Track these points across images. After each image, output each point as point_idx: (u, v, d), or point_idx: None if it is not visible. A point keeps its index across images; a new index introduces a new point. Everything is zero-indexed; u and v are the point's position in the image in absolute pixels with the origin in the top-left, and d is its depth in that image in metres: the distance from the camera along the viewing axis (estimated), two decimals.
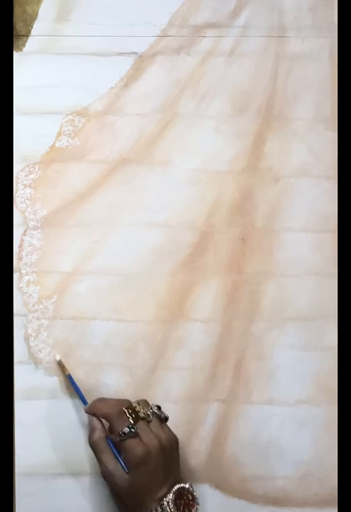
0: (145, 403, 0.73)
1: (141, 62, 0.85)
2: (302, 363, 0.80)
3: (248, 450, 0.79)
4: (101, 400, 0.75)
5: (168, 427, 0.73)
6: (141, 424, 0.70)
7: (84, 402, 0.76)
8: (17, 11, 0.84)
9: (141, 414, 0.70)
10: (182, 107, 0.85)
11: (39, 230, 0.82)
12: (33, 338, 0.80)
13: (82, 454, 0.78)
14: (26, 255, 0.81)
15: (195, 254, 0.82)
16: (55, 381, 0.79)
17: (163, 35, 0.85)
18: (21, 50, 0.84)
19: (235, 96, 0.85)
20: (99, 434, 0.72)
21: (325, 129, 0.84)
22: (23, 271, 0.81)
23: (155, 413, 0.72)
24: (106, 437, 0.71)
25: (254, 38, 0.86)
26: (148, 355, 0.80)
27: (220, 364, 0.80)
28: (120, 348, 0.80)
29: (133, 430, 0.69)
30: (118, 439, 0.69)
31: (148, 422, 0.71)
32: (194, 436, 0.78)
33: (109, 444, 0.71)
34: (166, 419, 0.73)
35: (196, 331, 0.80)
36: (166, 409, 0.75)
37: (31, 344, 0.80)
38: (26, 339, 0.80)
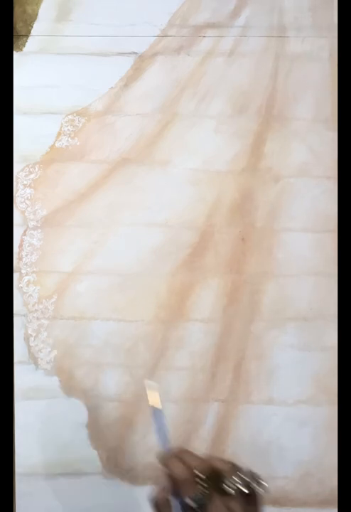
0: (235, 469, 0.56)
1: (141, 62, 0.85)
2: (302, 363, 0.80)
3: (248, 450, 0.79)
4: (181, 454, 0.58)
5: (257, 508, 0.55)
6: (215, 497, 0.54)
7: (165, 443, 0.61)
8: (17, 11, 0.84)
9: (220, 484, 0.54)
10: (182, 107, 0.85)
11: (39, 230, 0.82)
12: (33, 338, 0.80)
13: (82, 454, 0.78)
14: (26, 255, 0.81)
15: (195, 254, 0.82)
16: (55, 381, 0.79)
17: (163, 35, 0.85)
18: (21, 50, 0.84)
19: (235, 96, 0.85)
20: (163, 493, 0.58)
21: (325, 129, 0.84)
22: (23, 271, 0.81)
23: (240, 489, 0.54)
24: (169, 496, 0.57)
25: (254, 38, 0.86)
26: (148, 355, 0.80)
27: (220, 364, 0.80)
28: (120, 348, 0.80)
29: (200, 504, 0.53)
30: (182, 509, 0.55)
31: (229, 496, 0.54)
32: (194, 436, 0.78)
33: (174, 506, 0.56)
34: (256, 496, 0.55)
35: (196, 331, 0.80)
36: (166, 409, 0.75)
37: (31, 344, 0.80)
38: (26, 339, 0.80)
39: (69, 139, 0.83)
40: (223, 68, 0.85)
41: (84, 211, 0.82)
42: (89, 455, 0.77)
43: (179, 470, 0.56)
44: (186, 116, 0.84)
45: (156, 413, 0.62)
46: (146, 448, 0.78)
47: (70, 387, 0.78)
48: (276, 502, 0.78)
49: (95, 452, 0.78)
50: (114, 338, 0.80)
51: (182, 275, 0.81)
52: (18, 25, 0.85)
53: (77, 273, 0.81)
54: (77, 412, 0.78)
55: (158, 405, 0.62)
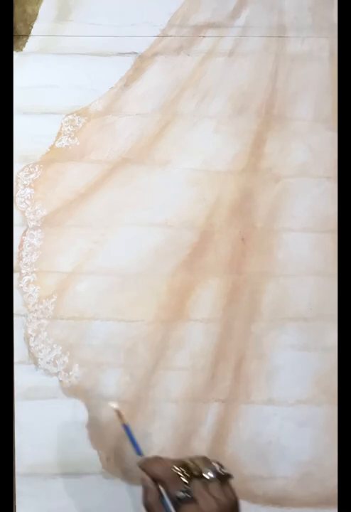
0: (204, 461, 0.66)
1: (141, 62, 0.85)
2: (302, 363, 0.80)
3: (248, 450, 0.79)
4: (156, 459, 0.68)
5: (230, 488, 0.66)
6: (198, 486, 0.63)
7: (139, 452, 0.71)
8: (17, 11, 0.84)
9: (196, 473, 0.64)
10: (182, 107, 0.85)
11: (39, 230, 0.82)
12: (33, 338, 0.80)
13: (82, 454, 0.78)
14: (26, 255, 0.81)
15: (195, 254, 0.82)
16: (55, 381, 0.79)
17: (163, 35, 0.85)
18: (21, 50, 0.84)
19: (235, 96, 0.85)
20: (153, 495, 0.66)
21: (325, 129, 0.84)
22: (23, 271, 0.81)
23: (216, 472, 0.65)
24: (161, 496, 0.65)
25: (253, 38, 0.86)
26: (148, 355, 0.80)
27: (220, 364, 0.80)
28: (120, 348, 0.80)
29: (188, 495, 0.62)
30: (173, 505, 0.63)
31: (207, 482, 0.64)
32: (194, 436, 0.78)
33: (165, 504, 0.65)
34: (228, 477, 0.66)
35: (196, 331, 0.80)
36: (166, 409, 0.75)
37: (31, 344, 0.80)
38: (26, 339, 0.80)
39: (69, 139, 0.83)
40: (223, 68, 0.85)
41: (84, 211, 0.82)
42: (89, 455, 0.77)
43: (160, 470, 0.66)
44: (186, 116, 0.84)
45: (126, 428, 0.72)
46: (146, 448, 0.78)
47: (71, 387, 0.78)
48: (276, 502, 0.78)
49: (95, 452, 0.78)
50: (114, 338, 0.80)
51: (182, 275, 0.81)
52: (18, 25, 0.85)
53: (77, 273, 0.81)
54: (77, 412, 0.78)
55: (126, 421, 0.73)
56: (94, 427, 0.78)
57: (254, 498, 0.78)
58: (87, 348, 0.80)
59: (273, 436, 0.79)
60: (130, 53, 0.85)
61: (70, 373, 0.79)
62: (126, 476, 0.79)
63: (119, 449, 0.78)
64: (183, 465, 0.65)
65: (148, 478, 0.67)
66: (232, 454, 0.79)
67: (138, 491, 0.77)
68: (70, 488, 0.77)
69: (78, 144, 0.83)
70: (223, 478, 0.65)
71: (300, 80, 0.85)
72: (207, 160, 0.84)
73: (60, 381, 0.79)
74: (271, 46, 0.86)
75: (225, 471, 0.66)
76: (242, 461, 0.79)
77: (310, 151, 0.84)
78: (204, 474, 0.65)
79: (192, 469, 0.65)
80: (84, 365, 0.79)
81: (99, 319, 0.80)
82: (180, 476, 0.64)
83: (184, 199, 0.83)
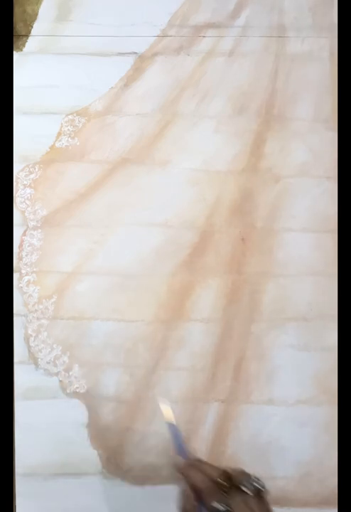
0: (244, 474, 0.65)
1: (141, 62, 0.85)
2: (302, 363, 0.80)
3: (248, 450, 0.79)
4: (196, 465, 0.66)
5: (267, 505, 0.64)
6: (237, 499, 0.62)
7: (183, 454, 0.68)
8: (17, 11, 0.84)
9: (237, 485, 0.62)
10: (182, 107, 0.85)
11: (39, 230, 0.82)
12: (33, 338, 0.80)
13: (82, 454, 0.78)
14: (26, 255, 0.81)
15: (195, 254, 0.82)
16: (55, 381, 0.79)
17: (163, 35, 0.85)
18: (21, 50, 0.84)
19: (235, 96, 0.85)
20: (191, 502, 0.64)
21: (325, 129, 0.84)
22: (23, 271, 0.81)
23: (255, 486, 0.63)
24: (198, 504, 0.64)
25: (253, 38, 0.86)
26: (148, 355, 0.80)
27: (220, 364, 0.80)
28: (120, 348, 0.80)
29: (227, 508, 0.61)
30: None
31: (246, 496, 0.62)
32: (194, 436, 0.78)
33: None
34: (265, 492, 0.65)
35: (196, 331, 0.80)
36: None
37: (31, 344, 0.80)
38: (26, 339, 0.80)
39: (69, 139, 0.84)
40: (223, 68, 0.85)
41: (84, 211, 0.82)
42: (89, 455, 0.77)
43: (200, 479, 0.63)
44: (186, 116, 0.84)
45: (171, 428, 0.69)
46: (146, 448, 0.78)
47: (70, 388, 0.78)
48: (276, 502, 0.78)
49: (95, 452, 0.78)
50: (114, 338, 0.80)
51: (182, 275, 0.81)
52: (18, 25, 0.85)
53: (77, 273, 0.81)
54: (77, 412, 0.78)
55: (173, 420, 0.70)
56: (94, 427, 0.78)
57: None
58: (87, 348, 0.80)
59: (273, 436, 0.79)
60: (130, 53, 0.85)
61: (70, 373, 0.79)
62: (126, 476, 0.79)
63: (119, 448, 0.78)
64: (224, 475, 0.63)
65: (185, 484, 0.64)
66: (232, 454, 0.79)
67: (138, 490, 0.78)
68: (70, 488, 0.77)
69: (78, 144, 0.84)
70: (261, 492, 0.64)
71: (300, 80, 0.85)
72: (207, 160, 0.84)
73: (60, 381, 0.79)
74: (271, 46, 0.86)
75: (263, 485, 0.64)
76: (242, 461, 0.79)
77: (310, 151, 0.84)
78: (243, 487, 0.63)
79: (232, 480, 0.63)
80: (84, 365, 0.79)
81: (99, 319, 0.80)
82: (219, 486, 0.62)
83: (184, 199, 0.83)
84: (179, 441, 0.69)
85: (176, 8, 0.86)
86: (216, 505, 0.61)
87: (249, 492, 0.63)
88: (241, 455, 0.79)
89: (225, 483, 0.62)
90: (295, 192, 0.83)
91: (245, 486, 0.63)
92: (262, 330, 0.81)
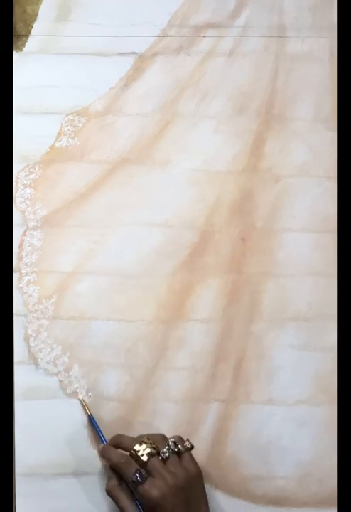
0: (162, 438, 0.70)
1: (141, 62, 0.85)
2: (302, 363, 0.80)
3: (248, 450, 0.79)
4: (114, 444, 0.73)
5: (191, 459, 0.70)
6: (154, 463, 0.67)
7: (103, 440, 0.76)
8: (17, 11, 0.84)
9: (153, 452, 0.67)
10: (182, 107, 0.85)
11: (39, 230, 0.82)
12: (33, 338, 0.80)
13: (82, 453, 0.78)
14: (26, 255, 0.81)
15: (195, 254, 0.82)
16: (55, 381, 0.79)
17: (163, 35, 0.85)
18: (21, 50, 0.84)
19: (235, 96, 0.85)
20: (112, 482, 0.70)
21: (325, 129, 0.84)
22: (23, 271, 0.81)
23: (171, 449, 0.68)
24: (121, 482, 0.70)
25: (253, 38, 0.86)
26: (148, 355, 0.80)
27: (220, 364, 0.80)
28: (120, 348, 0.80)
29: (140, 477, 0.66)
30: (131, 488, 0.67)
31: (164, 459, 0.68)
32: (194, 436, 0.78)
33: (125, 489, 0.69)
34: (188, 449, 0.70)
35: (196, 331, 0.80)
36: (166, 409, 0.75)
37: (31, 344, 0.80)
38: (26, 339, 0.80)
39: (69, 139, 0.83)
40: (223, 68, 0.85)
41: (84, 211, 0.82)
42: (89, 455, 0.77)
43: (115, 456, 0.69)
44: (186, 116, 0.84)
45: (92, 419, 0.76)
46: None
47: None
48: (276, 502, 0.78)
49: (95, 452, 0.78)
50: (114, 338, 0.80)
51: (182, 275, 0.81)
52: (18, 25, 0.85)
53: (77, 273, 0.81)
54: (77, 412, 0.78)
55: (90, 412, 0.77)
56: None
57: (254, 498, 0.78)
58: (87, 348, 0.80)
59: (273, 436, 0.79)
60: (130, 53, 0.85)
61: (70, 373, 0.79)
62: None
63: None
64: (140, 444, 0.68)
65: (107, 466, 0.71)
66: (232, 454, 0.79)
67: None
68: (70, 488, 0.77)
69: (78, 144, 0.83)
70: (182, 452, 0.69)
71: (300, 80, 0.85)
72: (207, 160, 0.84)
73: (60, 381, 0.79)
74: (271, 46, 0.86)
75: (185, 445, 0.70)
76: (242, 461, 0.79)
77: (310, 151, 0.84)
78: (160, 452, 0.67)
79: (149, 447, 0.67)
80: (84, 365, 0.79)
81: (99, 319, 0.80)
82: (134, 457, 0.67)
83: (184, 199, 0.83)
84: (99, 430, 0.76)
85: (176, 8, 0.86)
86: (134, 477, 0.66)
87: (163, 454, 0.67)
88: (241, 455, 0.79)
89: (142, 452, 0.67)
90: (295, 192, 0.83)
91: (161, 450, 0.68)
92: (262, 330, 0.81)
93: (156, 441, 0.70)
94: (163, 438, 0.71)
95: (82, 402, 0.78)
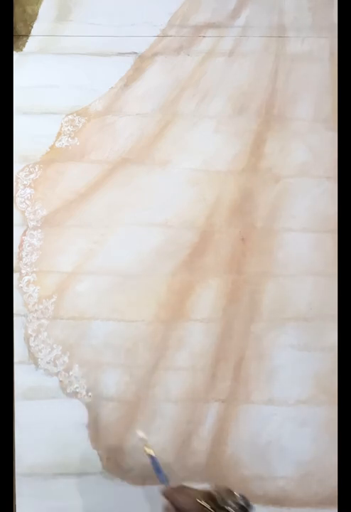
0: (228, 493, 0.68)
1: (141, 62, 0.85)
2: (302, 363, 0.80)
3: (248, 450, 0.79)
4: (181, 489, 0.69)
5: None
6: None
7: (163, 481, 0.73)
8: (17, 11, 0.84)
9: (221, 505, 0.65)
10: (182, 107, 0.85)
11: (39, 230, 0.82)
12: (33, 338, 0.80)
13: (82, 454, 0.78)
14: (26, 255, 0.81)
15: (195, 254, 0.82)
16: (55, 381, 0.79)
17: (163, 35, 0.85)
18: (21, 50, 0.84)
19: (235, 96, 0.85)
20: None
21: (325, 129, 0.84)
22: (23, 271, 0.81)
23: (240, 505, 0.66)
24: None
25: (253, 38, 0.85)
26: (148, 355, 0.80)
27: (220, 364, 0.80)
28: (120, 348, 0.80)
29: None
30: None
31: None
32: (194, 436, 0.78)
33: None
34: (248, 508, 0.67)
35: (196, 331, 0.80)
36: (166, 409, 0.75)
37: (31, 344, 0.80)
38: (26, 339, 0.80)
39: (69, 139, 0.83)
40: (223, 68, 0.85)
41: (84, 211, 0.82)
42: (89, 455, 0.77)
43: (185, 501, 0.66)
44: (186, 116, 0.84)
45: (152, 459, 0.72)
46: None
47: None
48: (276, 502, 0.78)
49: (95, 452, 0.78)
50: (114, 338, 0.80)
51: (182, 275, 0.81)
52: (18, 25, 0.85)
53: (77, 273, 0.81)
54: (77, 412, 0.78)
55: (152, 453, 0.73)
56: (94, 427, 0.78)
57: (255, 498, 0.78)
58: (87, 348, 0.80)
59: (273, 436, 0.79)
60: (130, 53, 0.85)
61: (70, 373, 0.79)
62: (126, 476, 0.79)
63: (119, 448, 0.78)
64: (208, 496, 0.65)
65: (171, 508, 0.67)
66: (232, 454, 0.79)
67: (138, 490, 0.78)
68: (70, 488, 0.77)
69: (78, 143, 0.83)
70: (245, 510, 0.66)
71: (300, 80, 0.85)
72: (207, 160, 0.84)
73: (60, 381, 0.79)
74: (271, 46, 0.86)
75: (248, 503, 0.66)
76: (242, 461, 0.79)
77: (310, 151, 0.84)
78: (228, 507, 0.65)
79: (217, 501, 0.65)
80: (84, 365, 0.79)
81: (99, 319, 0.80)
82: (204, 507, 0.64)
83: (184, 199, 0.83)
84: (161, 471, 0.72)
85: (176, 8, 0.86)
86: None
87: (232, 510, 0.65)
88: (241, 455, 0.79)
89: (210, 504, 0.64)
90: (295, 192, 0.83)
91: (229, 506, 0.65)
92: (262, 330, 0.81)
93: (223, 495, 0.67)
94: (230, 492, 0.68)
95: (144, 441, 0.74)
